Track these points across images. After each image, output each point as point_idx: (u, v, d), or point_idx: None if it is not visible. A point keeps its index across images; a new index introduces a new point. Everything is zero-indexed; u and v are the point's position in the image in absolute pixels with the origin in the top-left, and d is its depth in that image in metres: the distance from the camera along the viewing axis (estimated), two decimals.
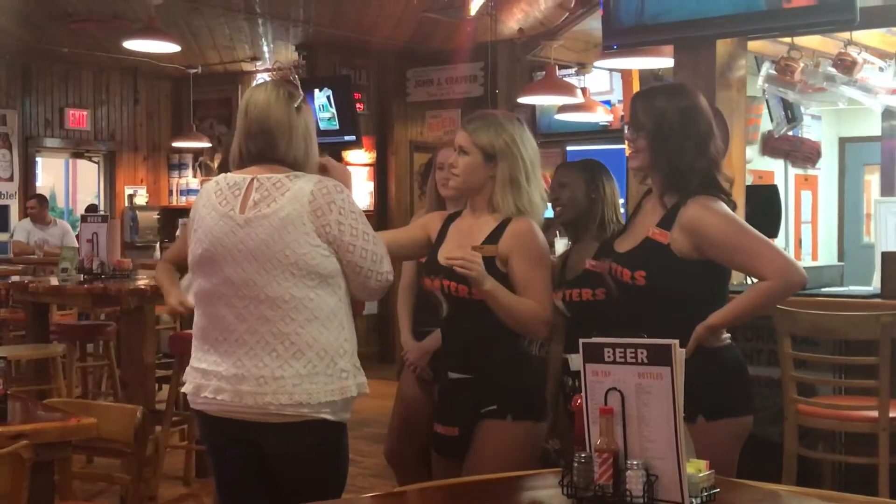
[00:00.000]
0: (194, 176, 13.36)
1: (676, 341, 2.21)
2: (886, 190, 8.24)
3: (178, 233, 10.96)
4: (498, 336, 3.29)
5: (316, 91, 10.32)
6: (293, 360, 2.99)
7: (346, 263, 3.06)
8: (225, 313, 3.04)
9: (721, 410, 3.09)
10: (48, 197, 16.67)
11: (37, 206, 11.04)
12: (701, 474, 2.23)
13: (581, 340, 2.32)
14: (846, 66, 6.01)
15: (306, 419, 3.00)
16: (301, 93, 3.22)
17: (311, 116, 3.24)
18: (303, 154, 3.17)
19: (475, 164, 3.35)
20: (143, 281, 6.04)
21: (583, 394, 2.30)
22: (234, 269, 3.02)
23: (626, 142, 3.35)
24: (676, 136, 3.16)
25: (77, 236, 7.39)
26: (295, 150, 3.15)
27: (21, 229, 11.04)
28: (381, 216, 11.10)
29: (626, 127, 3.45)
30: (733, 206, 3.24)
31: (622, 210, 4.23)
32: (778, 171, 9.91)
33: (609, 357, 2.26)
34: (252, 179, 3.09)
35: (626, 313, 3.28)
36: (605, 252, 3.42)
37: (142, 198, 13.22)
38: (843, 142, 11.04)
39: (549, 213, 3.86)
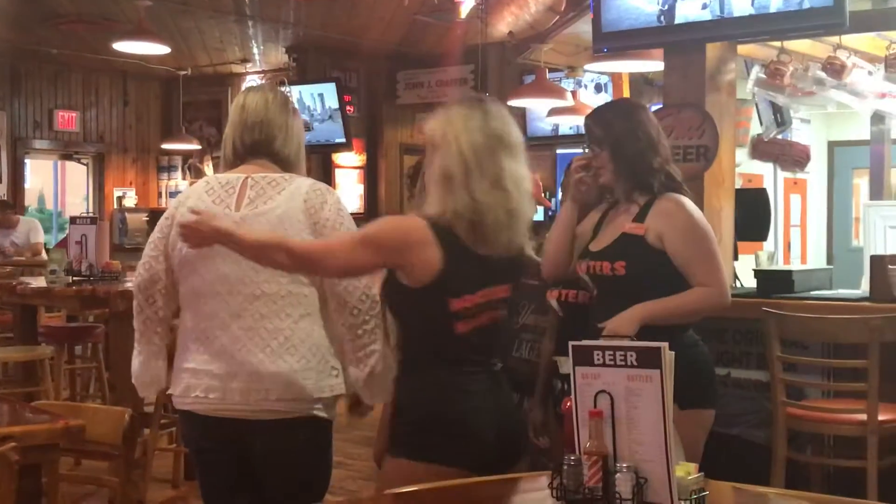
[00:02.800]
0: (183, 178, 13.35)
1: (665, 344, 2.21)
2: (875, 194, 8.25)
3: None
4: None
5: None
6: (287, 356, 3.00)
7: None
8: (219, 310, 3.04)
9: (692, 400, 3.23)
10: (37, 199, 16.68)
11: (7, 216, 10.98)
12: (690, 477, 2.23)
13: (571, 343, 2.32)
14: (836, 69, 6.02)
15: (298, 416, 3.00)
16: (293, 103, 3.28)
17: (301, 125, 3.28)
18: (295, 154, 3.20)
19: (427, 161, 2.93)
20: (131, 283, 6.01)
21: (572, 396, 2.30)
22: (229, 266, 3.02)
23: (587, 162, 3.51)
24: (632, 141, 3.42)
25: (65, 238, 7.36)
26: (289, 148, 3.18)
27: None
28: (370, 219, 11.02)
29: (585, 149, 3.57)
30: (692, 199, 3.48)
31: None
32: (767, 175, 9.94)
33: (599, 360, 2.26)
34: (246, 178, 3.11)
35: (606, 308, 3.39)
36: (582, 256, 3.58)
37: (131, 200, 13.20)
38: (833, 145, 11.08)
39: (539, 216, 3.88)
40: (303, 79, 10.97)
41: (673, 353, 2.22)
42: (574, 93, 9.74)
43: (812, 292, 4.73)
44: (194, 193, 3.17)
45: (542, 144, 10.58)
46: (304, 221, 3.02)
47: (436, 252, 2.76)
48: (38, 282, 6.32)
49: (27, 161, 12.99)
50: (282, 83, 3.10)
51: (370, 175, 11.43)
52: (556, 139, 10.70)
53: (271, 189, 3.07)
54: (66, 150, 13.05)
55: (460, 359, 2.82)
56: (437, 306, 2.79)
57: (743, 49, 5.83)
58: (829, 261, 10.10)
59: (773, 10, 4.73)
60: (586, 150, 3.58)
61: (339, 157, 11.12)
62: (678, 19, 4.98)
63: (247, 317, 3.02)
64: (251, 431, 3.03)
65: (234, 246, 2.79)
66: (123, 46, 9.11)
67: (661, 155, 3.46)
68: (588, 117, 3.61)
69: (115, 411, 3.47)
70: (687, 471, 2.24)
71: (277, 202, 3.04)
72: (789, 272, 4.88)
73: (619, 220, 3.46)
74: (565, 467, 2.24)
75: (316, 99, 10.63)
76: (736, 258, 5.42)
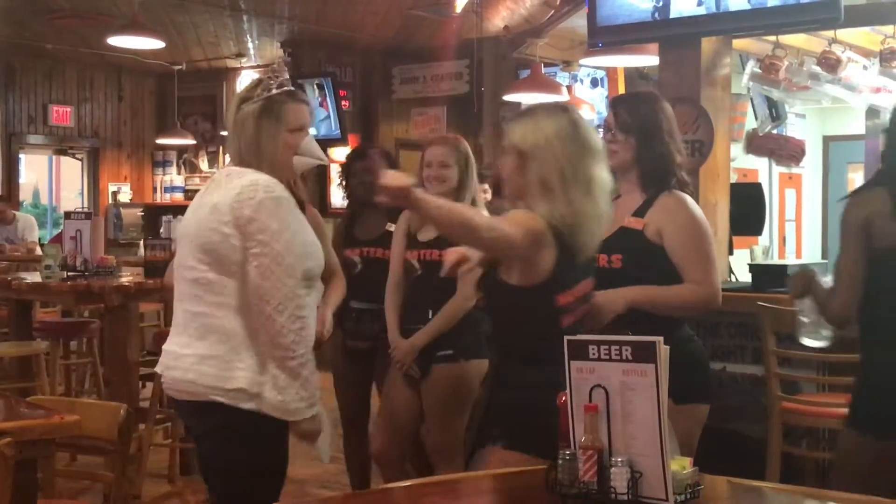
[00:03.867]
0: (178, 173, 13.33)
1: (661, 339, 2.22)
2: None
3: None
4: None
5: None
6: (198, 341, 3.06)
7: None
8: (177, 293, 3.19)
9: (688, 395, 3.23)
10: (32, 193, 16.66)
11: (2, 209, 10.98)
12: (685, 471, 2.24)
13: (566, 337, 2.33)
14: (830, 64, 6.03)
15: (203, 400, 3.03)
16: (273, 87, 3.19)
17: (261, 113, 3.16)
18: (246, 150, 3.16)
19: (513, 167, 3.01)
20: (126, 278, 6.01)
21: (567, 391, 2.30)
22: (179, 252, 3.20)
23: (608, 142, 3.45)
24: (661, 135, 3.44)
25: (60, 233, 7.36)
26: (236, 144, 3.19)
27: None
28: None
29: (601, 129, 3.57)
30: (696, 200, 3.54)
31: None
32: (762, 170, 9.96)
33: (594, 354, 2.26)
34: (218, 172, 3.19)
35: None
36: None
37: (125, 195, 13.18)
38: (828, 140, 11.09)
39: None
40: (298, 73, 10.95)
41: (667, 347, 2.23)
42: (569, 87, 9.74)
43: None
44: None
45: None
46: (228, 214, 3.01)
47: (552, 253, 2.91)
48: (33, 277, 6.31)
49: (22, 156, 12.96)
50: (281, 66, 3.07)
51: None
52: None
53: (225, 182, 3.11)
54: (61, 145, 13.03)
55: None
56: (547, 303, 2.93)
57: (738, 44, 5.84)
58: (824, 255, 10.11)
59: (768, 4, 4.73)
60: (604, 133, 3.56)
61: (335, 152, 11.11)
62: (673, 14, 4.98)
63: (182, 299, 3.15)
64: (179, 409, 3.25)
65: (416, 207, 2.83)
66: (118, 41, 9.08)
67: (681, 153, 3.52)
68: (617, 103, 3.67)
69: (110, 406, 3.47)
70: (682, 465, 2.25)
71: (218, 195, 3.07)
72: (784, 266, 4.89)
73: (618, 214, 3.43)
74: (560, 462, 2.25)
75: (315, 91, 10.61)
76: (731, 252, 5.43)
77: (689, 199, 3.46)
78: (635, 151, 3.45)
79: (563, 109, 3.06)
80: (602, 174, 2.99)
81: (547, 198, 2.91)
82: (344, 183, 5.08)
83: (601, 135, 3.50)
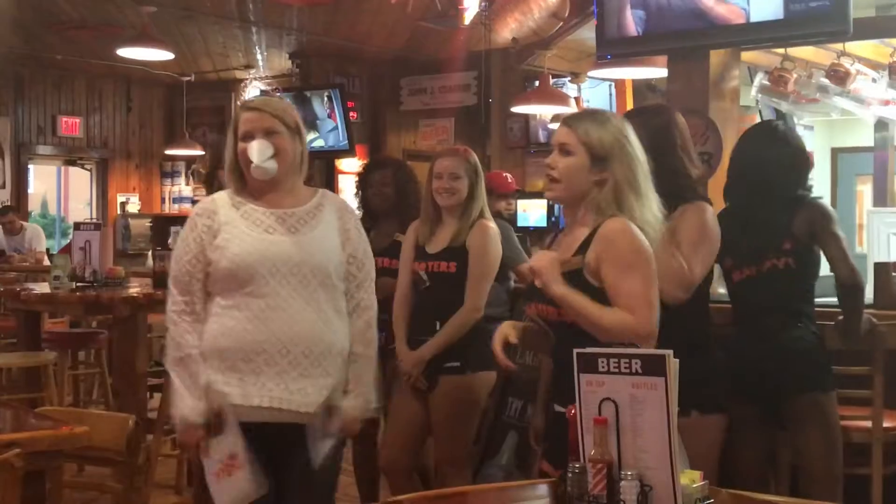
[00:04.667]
0: (187, 184, 13.36)
1: (670, 352, 2.21)
2: (879, 200, 8.25)
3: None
4: None
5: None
6: None
7: None
8: None
9: (712, 405, 3.27)
10: (40, 204, 16.69)
11: (11, 219, 11.02)
12: (695, 485, 2.23)
13: (575, 350, 2.32)
14: (839, 76, 6.02)
15: None
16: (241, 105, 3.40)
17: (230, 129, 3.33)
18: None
19: (580, 167, 2.88)
20: (135, 289, 6.02)
21: (576, 404, 2.30)
22: None
23: None
24: (675, 150, 3.43)
25: (69, 244, 7.37)
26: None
27: None
28: None
29: None
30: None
31: None
32: None
33: (603, 367, 2.25)
34: None
35: None
36: None
37: (134, 205, 13.20)
38: (836, 152, 11.07)
39: (542, 222, 3.87)
40: (306, 85, 10.98)
41: (677, 360, 2.22)
42: (577, 99, 9.74)
43: (816, 299, 4.71)
44: None
45: (544, 150, 10.60)
46: None
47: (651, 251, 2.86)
48: (42, 288, 6.32)
49: (31, 167, 13.00)
50: (276, 90, 3.12)
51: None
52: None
53: None
54: (70, 155, 13.06)
55: None
56: None
57: (746, 56, 5.84)
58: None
59: (776, 17, 4.73)
60: None
61: (342, 163, 11.12)
62: (683, 26, 4.98)
63: None
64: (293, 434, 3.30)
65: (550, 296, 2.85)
66: (127, 52, 9.12)
67: (696, 166, 3.48)
68: (629, 118, 3.44)
69: (118, 417, 3.46)
70: (692, 478, 2.24)
71: None
72: None
73: None
74: (570, 475, 2.24)
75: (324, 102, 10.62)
76: None
77: (708, 208, 3.45)
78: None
79: (624, 118, 3.02)
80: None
81: (636, 198, 2.85)
82: (359, 193, 5.08)
83: None
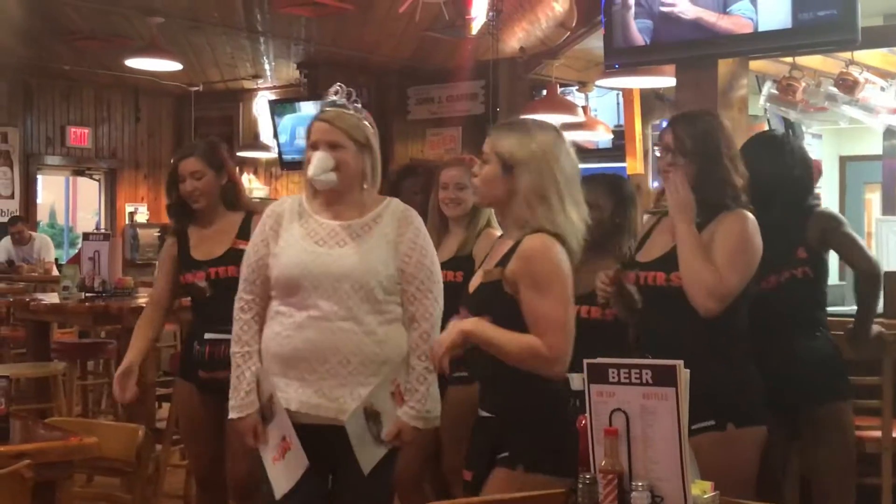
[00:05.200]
0: None
1: (681, 362, 2.21)
2: (887, 209, 8.24)
3: None
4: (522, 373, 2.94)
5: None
6: None
7: None
8: None
9: (748, 418, 3.18)
10: (48, 214, 16.73)
11: (20, 229, 11.06)
12: (706, 496, 2.22)
13: (585, 361, 2.32)
14: (848, 85, 6.01)
15: None
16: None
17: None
18: None
19: (493, 175, 2.99)
20: (143, 299, 6.02)
21: (587, 414, 2.29)
22: None
23: (665, 165, 3.37)
24: (721, 159, 3.28)
25: (78, 254, 7.39)
26: None
27: (2, 249, 11.08)
28: None
29: (655, 149, 3.49)
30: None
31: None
32: None
33: (614, 377, 2.25)
34: None
35: (657, 321, 3.30)
36: (630, 266, 3.44)
37: (142, 215, 13.23)
38: (844, 160, 11.05)
39: None
40: (314, 94, 10.99)
41: (688, 371, 2.21)
42: (585, 108, 9.75)
43: (826, 308, 4.70)
44: None
45: None
46: None
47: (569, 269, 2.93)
48: (51, 298, 6.33)
49: (39, 177, 13.04)
50: (352, 99, 3.17)
51: (380, 189, 11.41)
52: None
53: None
54: (79, 165, 13.10)
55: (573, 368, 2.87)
56: None
57: (755, 65, 5.83)
58: (842, 277, 10.04)
59: (784, 26, 4.73)
60: (660, 153, 3.45)
61: None
62: (691, 35, 4.98)
63: None
64: None
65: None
66: (135, 63, 9.16)
67: (741, 175, 3.33)
68: (676, 122, 3.44)
69: (128, 428, 3.48)
70: (703, 489, 2.23)
71: None
72: None
73: (670, 235, 3.33)
74: (580, 486, 2.24)
75: None
76: None
77: (749, 217, 3.28)
78: (693, 176, 3.28)
79: (554, 128, 3.05)
80: (581, 196, 3.00)
81: (542, 207, 2.90)
82: None
83: (658, 155, 3.47)
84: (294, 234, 3.28)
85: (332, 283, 3.19)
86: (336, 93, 3.43)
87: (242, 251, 3.85)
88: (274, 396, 3.21)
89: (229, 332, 3.73)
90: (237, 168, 12.71)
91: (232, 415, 3.29)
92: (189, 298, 4.34)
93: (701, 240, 3.20)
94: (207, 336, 4.09)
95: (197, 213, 4.25)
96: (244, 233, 4.06)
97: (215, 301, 4.08)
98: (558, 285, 2.88)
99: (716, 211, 3.26)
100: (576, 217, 2.94)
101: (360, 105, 3.50)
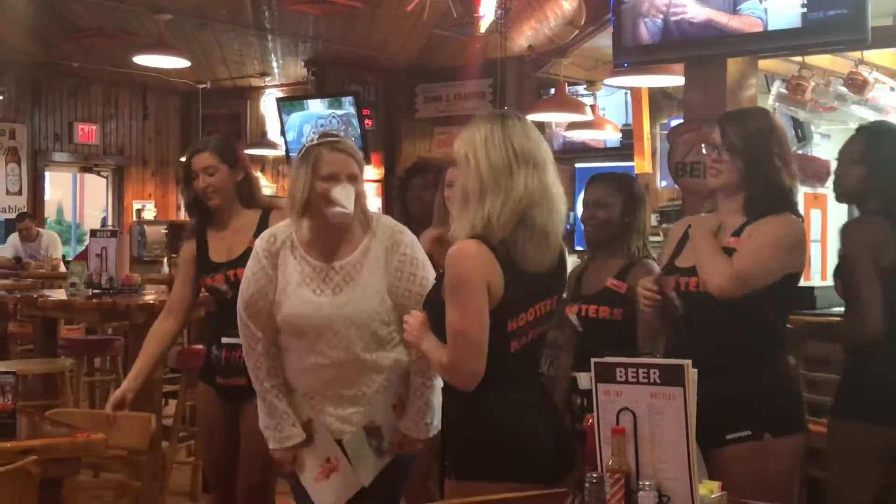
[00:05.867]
0: None
1: (689, 361, 2.20)
2: None
3: None
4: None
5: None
6: None
7: None
8: None
9: (787, 426, 3.12)
10: (56, 210, 16.75)
11: (28, 225, 11.08)
12: (713, 496, 2.22)
13: (593, 360, 2.31)
14: (857, 85, 5.98)
15: None
16: (316, 138, 3.39)
17: (300, 160, 3.36)
18: (287, 196, 3.39)
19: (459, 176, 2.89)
20: (151, 296, 6.03)
21: (594, 413, 2.29)
22: None
23: (711, 161, 3.32)
24: (772, 158, 3.21)
25: (85, 251, 7.40)
26: None
27: (10, 245, 11.11)
28: None
29: (704, 149, 3.44)
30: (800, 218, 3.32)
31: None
32: None
33: (621, 377, 2.25)
34: None
35: (695, 327, 3.23)
36: (669, 272, 3.36)
37: (150, 212, 13.25)
38: None
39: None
40: (321, 92, 11.00)
41: (695, 371, 2.21)
42: (593, 107, 9.74)
43: (834, 308, 4.69)
44: None
45: (560, 158, 10.61)
46: None
47: (500, 275, 2.75)
48: (58, 294, 6.34)
49: (47, 173, 13.06)
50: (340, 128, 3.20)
51: (388, 189, 11.43)
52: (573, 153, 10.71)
53: None
54: (86, 162, 13.12)
55: (514, 376, 2.83)
56: (495, 328, 2.76)
57: (764, 64, 5.81)
58: None
59: (794, 25, 4.71)
60: (708, 151, 3.38)
61: None
62: (700, 34, 4.96)
63: None
64: None
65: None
66: (143, 60, 9.16)
67: (792, 176, 3.26)
68: (726, 120, 3.36)
69: (142, 417, 3.60)
70: (710, 489, 2.23)
71: None
72: (811, 288, 4.84)
73: (720, 236, 3.27)
74: (587, 485, 2.23)
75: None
76: None
77: (795, 221, 3.23)
78: (742, 175, 3.21)
79: (501, 116, 2.88)
80: (537, 183, 2.79)
81: (464, 210, 2.79)
82: (399, 198, 5.06)
83: (704, 151, 3.40)
84: (291, 280, 3.28)
85: (334, 333, 3.24)
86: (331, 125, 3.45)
87: None
88: (314, 420, 3.31)
89: None
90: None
91: (272, 445, 3.35)
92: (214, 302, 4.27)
93: (717, 244, 3.16)
94: (224, 340, 4.00)
95: (213, 212, 4.09)
96: (262, 231, 3.87)
97: (233, 304, 3.91)
98: (462, 294, 2.74)
99: (762, 212, 3.19)
100: (497, 204, 2.75)
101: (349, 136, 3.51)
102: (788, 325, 4.11)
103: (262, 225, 3.93)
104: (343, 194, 3.20)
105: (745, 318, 3.12)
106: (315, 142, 3.29)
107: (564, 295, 3.39)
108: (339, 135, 3.41)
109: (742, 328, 3.12)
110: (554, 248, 2.86)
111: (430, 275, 3.28)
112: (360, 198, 3.28)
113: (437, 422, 3.30)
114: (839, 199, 3.92)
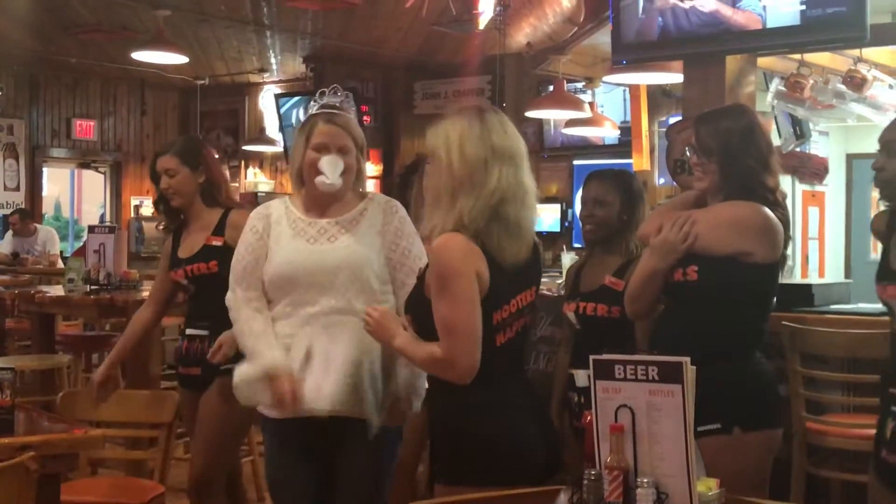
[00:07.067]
0: None
1: (688, 359, 2.20)
2: None
3: None
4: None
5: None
6: None
7: None
8: None
9: (757, 421, 3.13)
10: (54, 206, 16.74)
11: (19, 222, 11.06)
12: (711, 493, 2.22)
13: (591, 357, 2.31)
14: (856, 83, 6.00)
15: None
16: (315, 107, 3.42)
17: (299, 130, 3.42)
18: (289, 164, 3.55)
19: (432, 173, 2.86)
20: (148, 292, 6.02)
21: (593, 410, 2.29)
22: None
23: (693, 164, 3.34)
24: (743, 155, 3.22)
25: (83, 247, 7.39)
26: None
27: (6, 242, 11.10)
28: None
29: (688, 151, 3.43)
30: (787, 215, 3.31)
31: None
32: (785, 187, 9.88)
33: (620, 374, 2.24)
34: None
35: (675, 317, 3.27)
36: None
37: (148, 208, 13.22)
38: (851, 158, 11.02)
39: (556, 227, 3.82)
40: (320, 88, 10.99)
41: (694, 368, 2.20)
42: (592, 104, 9.74)
43: (832, 306, 4.69)
44: None
45: (559, 155, 10.64)
46: None
47: (486, 265, 2.74)
48: (56, 290, 6.33)
49: (45, 169, 13.05)
50: (342, 97, 3.15)
51: (387, 185, 11.44)
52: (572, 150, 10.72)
53: None
54: (84, 158, 13.11)
55: (500, 373, 2.81)
56: (482, 322, 2.74)
57: (763, 61, 5.82)
58: (847, 274, 10.03)
59: (793, 22, 4.72)
60: (690, 154, 3.39)
61: None
62: (699, 31, 4.97)
63: None
64: None
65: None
66: (142, 56, 9.15)
67: (770, 171, 3.26)
68: (699, 122, 3.37)
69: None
70: (708, 486, 2.23)
71: None
72: (809, 286, 4.84)
73: None
74: (585, 482, 2.23)
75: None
76: None
77: (761, 209, 3.17)
78: (719, 174, 3.24)
79: (479, 111, 2.86)
80: (512, 178, 2.77)
81: (436, 208, 2.78)
82: (399, 194, 5.06)
83: (688, 154, 3.39)
84: (285, 236, 3.30)
85: (327, 276, 3.21)
86: (335, 92, 3.40)
87: (215, 248, 3.99)
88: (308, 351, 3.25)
89: (206, 328, 3.95)
90: (244, 162, 12.64)
91: (267, 371, 3.23)
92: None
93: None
94: (189, 332, 4.16)
95: (181, 210, 4.27)
96: (219, 229, 4.12)
97: (194, 298, 4.20)
98: (453, 285, 2.69)
99: None
100: (470, 201, 2.72)
101: (352, 104, 3.48)
102: (791, 325, 4.12)
103: (221, 224, 4.12)
104: (329, 165, 3.24)
105: (716, 314, 3.16)
106: (314, 111, 3.37)
107: (544, 289, 3.41)
108: (339, 106, 3.39)
109: (706, 321, 3.15)
110: (528, 241, 2.85)
111: (423, 254, 3.27)
112: (351, 172, 3.30)
113: (422, 391, 3.31)
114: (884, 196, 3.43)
